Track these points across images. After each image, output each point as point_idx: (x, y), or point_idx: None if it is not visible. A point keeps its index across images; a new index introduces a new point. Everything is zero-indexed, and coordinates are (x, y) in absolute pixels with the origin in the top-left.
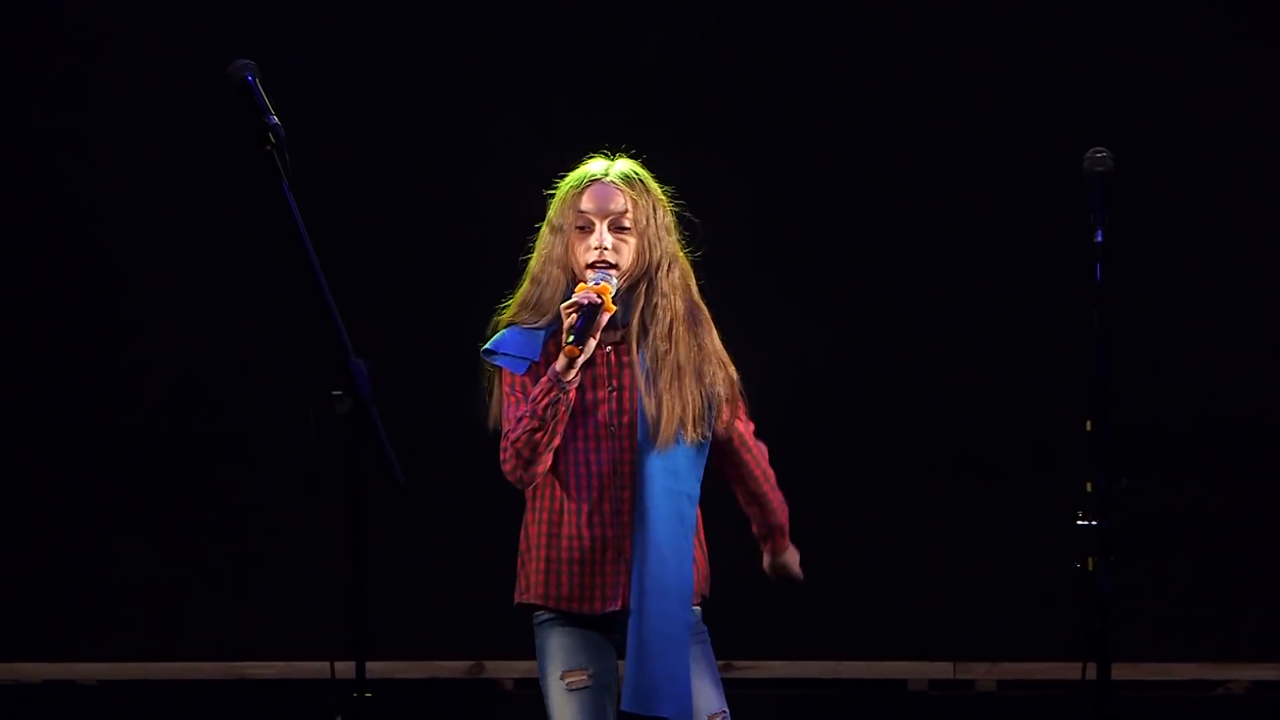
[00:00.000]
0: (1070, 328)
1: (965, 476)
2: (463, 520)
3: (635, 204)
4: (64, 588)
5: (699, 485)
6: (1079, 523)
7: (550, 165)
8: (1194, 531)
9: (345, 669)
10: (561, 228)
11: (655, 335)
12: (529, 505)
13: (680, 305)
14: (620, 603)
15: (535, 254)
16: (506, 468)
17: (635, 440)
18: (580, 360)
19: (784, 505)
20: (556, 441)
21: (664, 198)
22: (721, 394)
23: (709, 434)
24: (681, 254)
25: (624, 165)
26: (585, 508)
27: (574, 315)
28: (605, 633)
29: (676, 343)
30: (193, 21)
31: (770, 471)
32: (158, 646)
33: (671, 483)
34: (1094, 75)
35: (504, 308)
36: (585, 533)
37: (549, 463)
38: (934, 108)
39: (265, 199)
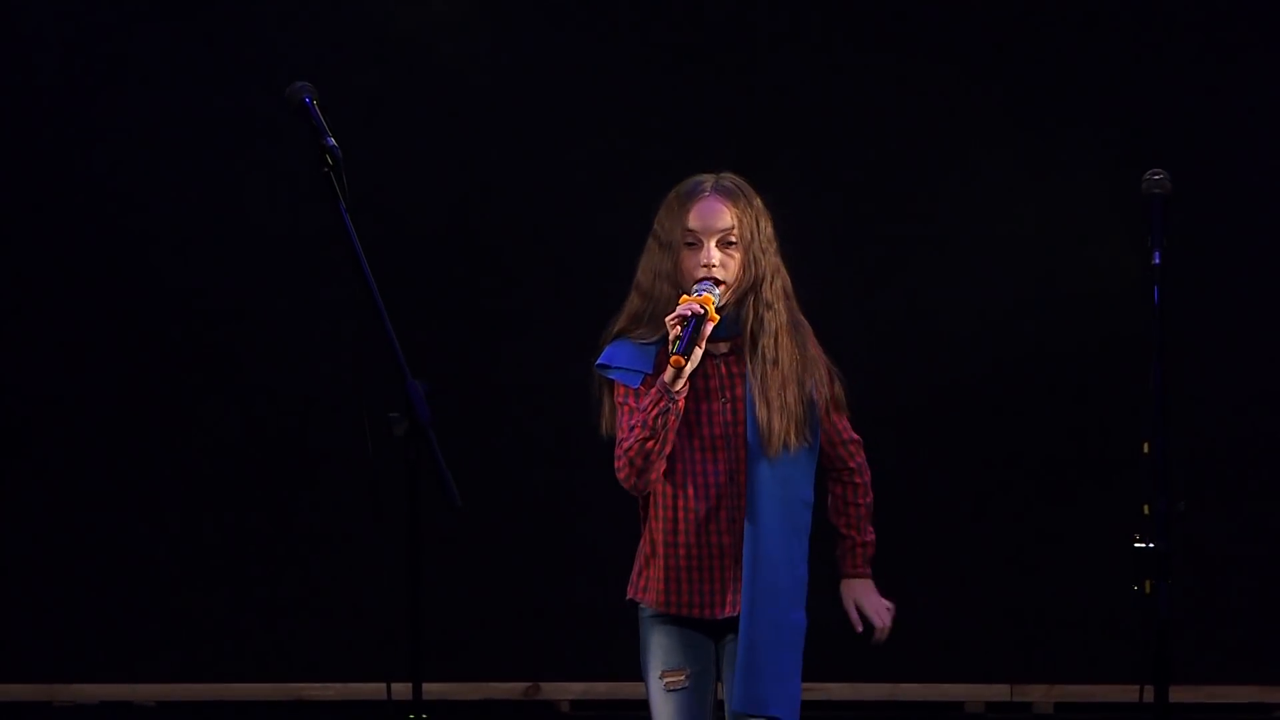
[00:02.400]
0: (1128, 349)
1: (1022, 498)
2: (519, 542)
3: (740, 219)
4: (123, 609)
5: (811, 490)
6: (1136, 545)
7: (602, 184)
8: (1252, 554)
9: (402, 690)
10: (670, 244)
11: (763, 346)
12: (651, 511)
13: (784, 315)
14: (738, 608)
15: (642, 268)
16: (620, 475)
17: (749, 449)
18: (688, 370)
19: (866, 525)
20: (668, 450)
21: (765, 210)
22: (826, 396)
23: (815, 439)
24: (782, 265)
25: (728, 180)
26: (703, 516)
27: (678, 327)
28: (709, 633)
29: (781, 352)
30: (267, 42)
31: (863, 482)
32: (216, 668)
33: (783, 489)
34: (1153, 96)
35: (613, 321)
36: (705, 540)
37: (661, 470)
38: (991, 128)
39: (325, 220)
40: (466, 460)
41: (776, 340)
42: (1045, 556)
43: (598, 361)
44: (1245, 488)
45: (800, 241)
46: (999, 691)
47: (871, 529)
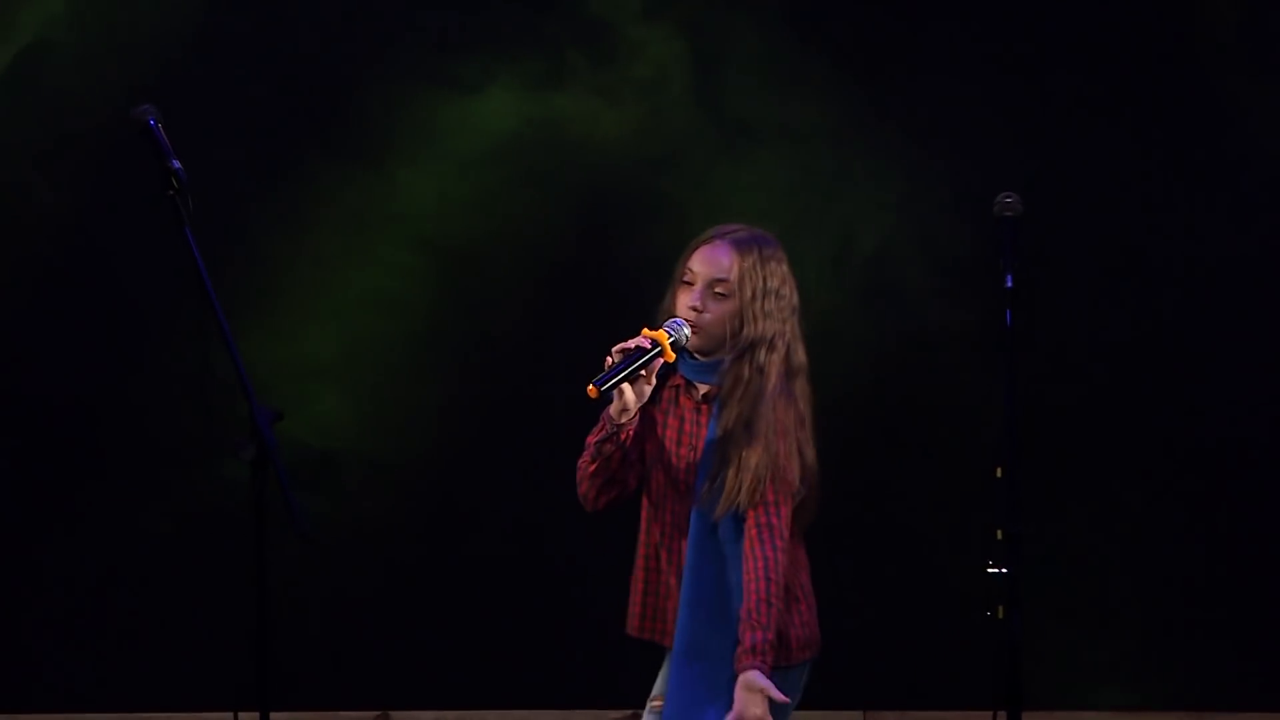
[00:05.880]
0: (980, 372)
1: (875, 524)
2: (367, 569)
3: (742, 275)
4: None
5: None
6: (989, 570)
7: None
8: (1105, 578)
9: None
10: (674, 279)
11: (731, 406)
12: (638, 538)
13: (772, 383)
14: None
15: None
16: (577, 490)
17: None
18: (634, 404)
19: (754, 621)
20: (615, 476)
21: (789, 277)
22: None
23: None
24: (796, 336)
25: (750, 235)
26: (662, 549)
27: (613, 357)
28: None
29: (749, 419)
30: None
31: (761, 581)
32: (57, 698)
33: (718, 546)
34: (1005, 116)
35: None
36: (661, 571)
37: (614, 495)
38: (845, 148)
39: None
40: (312, 486)
41: (746, 407)
42: (897, 581)
43: (595, 379)
44: (1101, 511)
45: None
46: (851, 718)
47: (761, 615)
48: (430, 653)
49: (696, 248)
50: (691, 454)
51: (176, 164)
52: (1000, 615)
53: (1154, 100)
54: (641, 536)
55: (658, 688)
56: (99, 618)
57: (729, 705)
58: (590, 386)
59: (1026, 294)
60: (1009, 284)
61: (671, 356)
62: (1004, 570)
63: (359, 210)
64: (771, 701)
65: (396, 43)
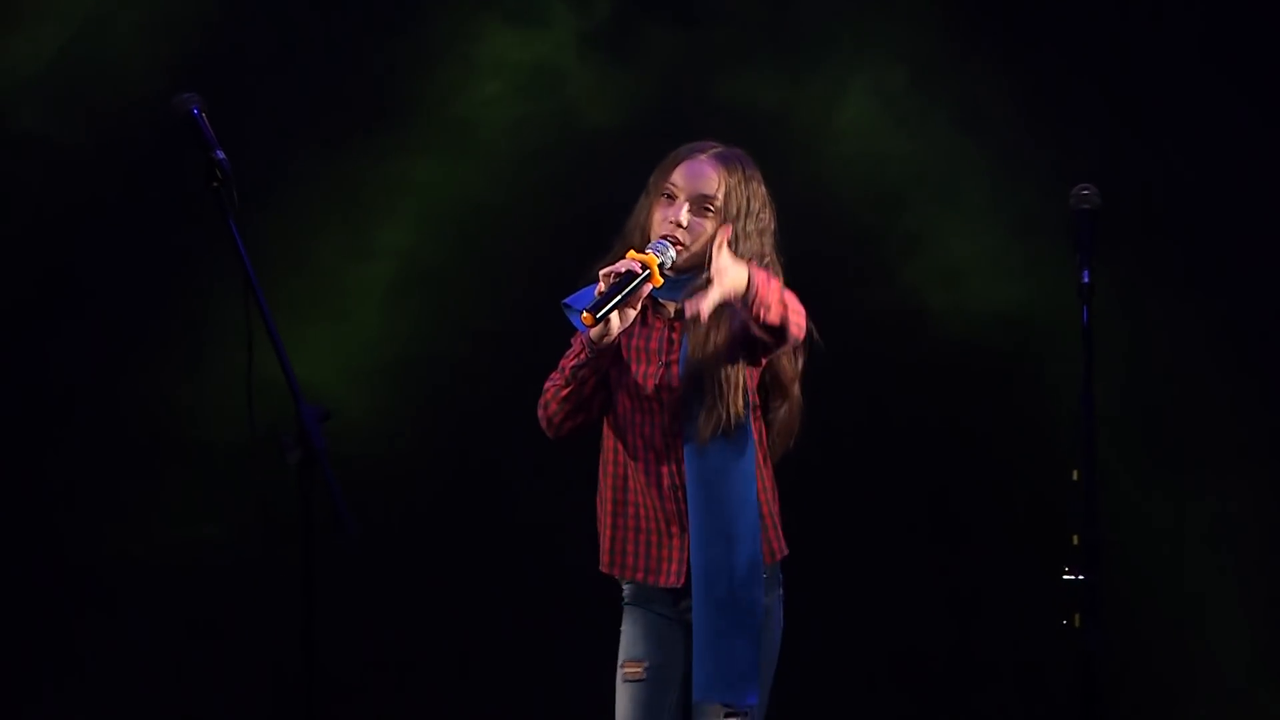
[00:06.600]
0: (1057, 371)
1: (947, 530)
2: (418, 576)
3: (729, 192)
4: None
5: (752, 463)
6: (1065, 577)
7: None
8: (1194, 589)
9: None
10: (650, 192)
11: (707, 324)
12: (600, 471)
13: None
14: (684, 580)
15: (632, 213)
16: (539, 413)
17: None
18: (615, 328)
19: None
20: (586, 401)
21: (769, 200)
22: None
23: (748, 411)
24: (776, 260)
25: (733, 152)
26: (646, 479)
27: (603, 284)
28: (676, 617)
29: (722, 335)
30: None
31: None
32: (89, 713)
33: (720, 461)
34: (1079, 111)
35: (598, 262)
36: (648, 503)
37: (580, 422)
38: (933, 126)
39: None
40: (361, 488)
41: (721, 321)
42: (969, 589)
43: (565, 299)
44: (1191, 517)
45: None
46: None
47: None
48: (482, 668)
49: (678, 162)
50: (662, 372)
51: (220, 154)
52: (1076, 624)
53: (1256, 91)
54: (605, 468)
55: (628, 650)
56: (141, 630)
57: (747, 633)
58: (585, 313)
59: (1110, 289)
60: (1085, 279)
61: (659, 281)
62: (1081, 578)
63: (412, 203)
64: (764, 619)
65: (461, 26)
